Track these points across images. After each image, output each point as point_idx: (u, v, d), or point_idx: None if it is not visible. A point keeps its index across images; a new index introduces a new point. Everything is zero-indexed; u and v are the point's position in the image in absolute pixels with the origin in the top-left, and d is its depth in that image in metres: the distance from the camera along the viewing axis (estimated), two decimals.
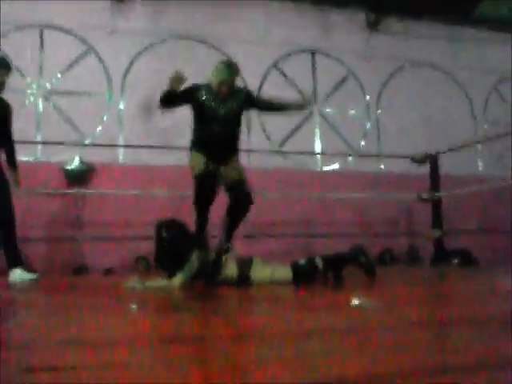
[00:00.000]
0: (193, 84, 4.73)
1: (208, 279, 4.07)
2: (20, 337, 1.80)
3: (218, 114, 4.70)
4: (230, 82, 4.74)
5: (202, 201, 4.41)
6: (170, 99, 4.64)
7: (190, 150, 4.79)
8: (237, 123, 4.90)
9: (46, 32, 8.77)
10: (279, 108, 4.98)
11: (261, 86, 9.65)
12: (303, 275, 4.07)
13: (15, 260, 5.37)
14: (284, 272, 4.09)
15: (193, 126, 4.87)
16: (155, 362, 1.31)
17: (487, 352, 1.37)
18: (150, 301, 3.08)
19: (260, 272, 4.06)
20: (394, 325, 1.92)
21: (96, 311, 2.51)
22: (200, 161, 4.60)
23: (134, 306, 2.66)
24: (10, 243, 5.35)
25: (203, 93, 4.71)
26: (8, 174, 5.48)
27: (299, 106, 4.92)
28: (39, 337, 1.76)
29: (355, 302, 2.75)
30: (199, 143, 4.74)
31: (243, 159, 8.95)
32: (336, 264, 4.17)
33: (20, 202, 5.66)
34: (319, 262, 4.11)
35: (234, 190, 4.57)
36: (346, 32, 10.38)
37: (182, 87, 4.54)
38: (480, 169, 10.65)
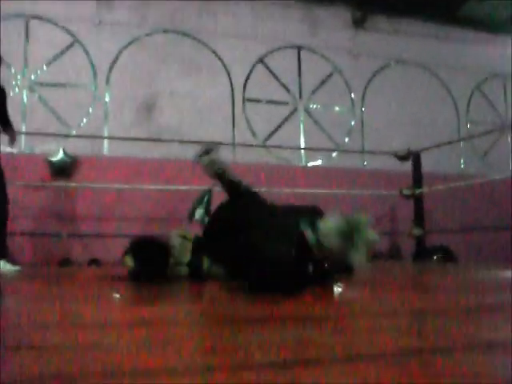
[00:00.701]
0: None
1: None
2: (3, 319, 1.83)
3: None
4: None
5: None
6: None
7: None
8: None
9: (32, 23, 8.74)
10: None
11: (246, 81, 9.69)
12: None
13: (1, 252, 5.38)
14: None
15: None
16: (135, 344, 1.35)
17: (457, 336, 1.43)
18: (133, 290, 3.11)
19: None
20: (371, 312, 1.98)
21: (79, 298, 2.55)
22: None
23: (117, 295, 2.69)
24: (0, 235, 5.37)
25: None
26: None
27: None
28: (22, 319, 1.80)
29: (338, 289, 2.80)
30: None
31: (228, 154, 9.08)
32: None
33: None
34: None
35: None
36: (332, 29, 10.43)
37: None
38: (462, 167, 10.76)
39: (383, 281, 3.90)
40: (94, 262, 7.70)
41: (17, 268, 5.37)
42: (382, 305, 2.27)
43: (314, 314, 1.98)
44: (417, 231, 7.95)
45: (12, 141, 5.65)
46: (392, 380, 0.99)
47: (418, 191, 8.02)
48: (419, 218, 8.04)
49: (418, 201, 8.09)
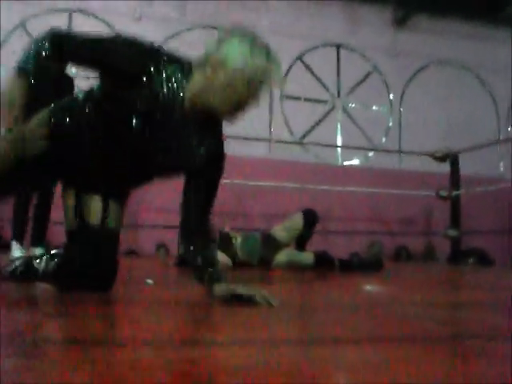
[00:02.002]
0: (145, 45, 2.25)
1: None
2: (46, 294, 1.89)
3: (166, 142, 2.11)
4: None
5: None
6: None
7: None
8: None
9: (75, 16, 8.87)
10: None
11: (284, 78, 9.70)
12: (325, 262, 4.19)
13: (40, 239, 5.53)
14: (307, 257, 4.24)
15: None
16: (155, 318, 1.38)
17: (487, 325, 1.43)
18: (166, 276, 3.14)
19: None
20: (396, 303, 1.98)
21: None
22: None
23: (149, 281, 2.71)
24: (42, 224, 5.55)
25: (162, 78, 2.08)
26: None
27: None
28: (63, 295, 1.86)
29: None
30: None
31: (264, 149, 9.09)
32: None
33: None
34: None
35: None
36: (372, 27, 10.36)
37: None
38: (501, 170, 10.59)
39: (417, 279, 3.88)
40: (131, 252, 7.83)
41: None
42: (414, 297, 2.26)
43: (347, 301, 1.98)
44: (452, 232, 7.85)
45: None
46: (417, 359, 0.99)
47: (455, 193, 7.92)
48: (455, 220, 7.94)
49: (455, 203, 7.98)
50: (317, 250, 4.38)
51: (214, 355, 0.99)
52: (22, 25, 8.55)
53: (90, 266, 1.96)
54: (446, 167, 8.17)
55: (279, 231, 4.33)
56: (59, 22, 8.70)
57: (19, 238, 5.40)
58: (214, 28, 9.42)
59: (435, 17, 10.69)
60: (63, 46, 2.04)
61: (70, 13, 8.85)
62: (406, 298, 2.28)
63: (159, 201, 8.18)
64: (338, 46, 10.19)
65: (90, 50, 2.05)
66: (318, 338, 1.21)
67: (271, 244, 4.25)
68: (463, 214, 8.08)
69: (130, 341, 1.09)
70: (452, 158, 8.09)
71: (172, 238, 7.47)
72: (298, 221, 4.35)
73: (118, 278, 2.03)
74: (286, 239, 4.28)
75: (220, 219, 7.87)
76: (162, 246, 7.98)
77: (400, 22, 10.53)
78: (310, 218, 4.41)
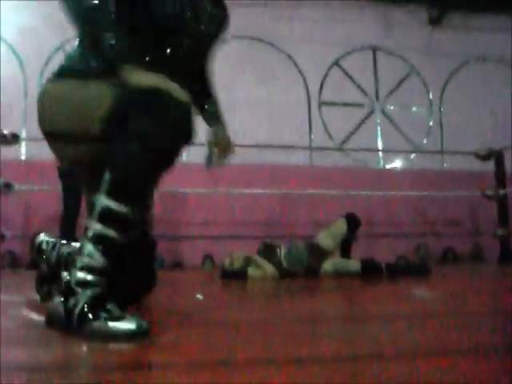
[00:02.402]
0: None
1: None
2: None
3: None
4: None
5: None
6: None
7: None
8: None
9: None
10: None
11: (322, 85, 9.67)
12: (372, 269, 4.19)
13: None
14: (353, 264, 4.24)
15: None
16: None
17: None
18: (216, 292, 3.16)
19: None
20: (450, 311, 1.95)
21: (164, 298, 2.62)
22: None
23: (199, 297, 2.73)
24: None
25: None
26: None
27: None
28: None
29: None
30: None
31: (305, 158, 9.06)
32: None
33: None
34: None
35: None
36: (407, 28, 10.27)
37: None
38: None
39: (468, 283, 3.82)
40: (177, 265, 7.90)
41: None
42: (468, 305, 2.22)
43: (398, 311, 1.96)
44: (501, 232, 7.69)
45: None
46: (479, 375, 0.98)
47: (501, 192, 7.77)
48: (504, 219, 7.78)
49: (502, 202, 7.83)
50: (363, 258, 4.37)
51: (265, 376, 0.99)
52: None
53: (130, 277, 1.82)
54: (490, 165, 8.03)
55: (324, 239, 4.33)
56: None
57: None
58: (249, 38, 9.47)
59: (471, 13, 10.53)
60: None
61: None
62: (459, 305, 2.24)
63: (204, 213, 8.23)
64: (374, 49, 10.13)
65: None
66: (370, 353, 1.19)
67: (317, 252, 4.24)
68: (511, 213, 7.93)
69: (177, 363, 1.10)
70: (496, 156, 7.95)
71: (219, 249, 7.53)
72: (341, 226, 4.36)
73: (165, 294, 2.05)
74: (331, 247, 4.28)
75: (265, 229, 7.91)
76: (208, 258, 8.02)
77: (435, 21, 10.41)
78: (353, 222, 4.42)
